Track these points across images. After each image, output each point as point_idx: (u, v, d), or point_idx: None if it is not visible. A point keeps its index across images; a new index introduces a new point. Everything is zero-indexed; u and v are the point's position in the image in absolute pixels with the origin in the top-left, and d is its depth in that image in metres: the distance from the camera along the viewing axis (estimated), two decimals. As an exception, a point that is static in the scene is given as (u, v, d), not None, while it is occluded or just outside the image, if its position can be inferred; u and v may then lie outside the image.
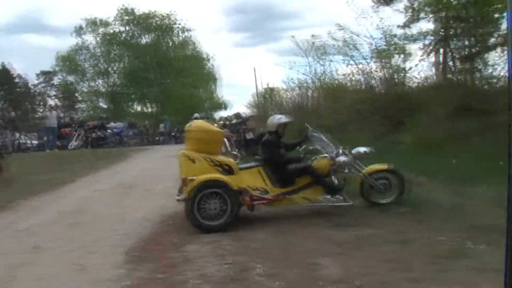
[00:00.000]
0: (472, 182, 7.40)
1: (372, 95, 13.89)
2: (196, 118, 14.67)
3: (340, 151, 6.94)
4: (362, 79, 14.91)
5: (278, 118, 7.22)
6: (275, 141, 6.99)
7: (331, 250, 4.99)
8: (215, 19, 66.76)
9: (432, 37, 13.51)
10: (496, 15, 11.80)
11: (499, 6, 11.35)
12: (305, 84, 19.43)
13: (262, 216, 6.80)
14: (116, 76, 43.77)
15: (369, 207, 6.87)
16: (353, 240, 5.36)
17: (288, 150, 7.16)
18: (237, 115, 18.42)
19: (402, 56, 13.41)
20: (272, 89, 26.04)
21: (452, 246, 4.86)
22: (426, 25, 13.71)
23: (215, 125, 16.73)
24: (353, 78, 15.49)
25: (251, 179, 6.62)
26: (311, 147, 7.22)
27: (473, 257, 4.47)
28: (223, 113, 36.19)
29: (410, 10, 14.19)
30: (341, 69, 16.79)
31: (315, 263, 4.58)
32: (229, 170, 6.44)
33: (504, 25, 12.26)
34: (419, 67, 13.63)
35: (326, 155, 6.94)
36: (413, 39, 13.30)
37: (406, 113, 12.10)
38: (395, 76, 13.51)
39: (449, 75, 13.35)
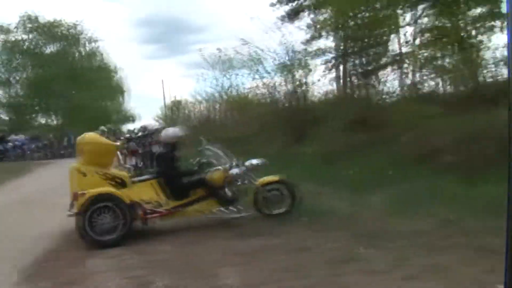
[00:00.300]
0: (366, 191, 7.96)
1: (277, 108, 14.44)
2: (102, 131, 14.51)
3: (234, 163, 7.06)
4: (267, 93, 15.42)
5: (174, 131, 7.31)
6: (170, 154, 7.01)
7: (232, 261, 5.10)
8: (124, 31, 65.34)
9: (332, 54, 14.41)
10: (385, 38, 12.91)
11: (386, 29, 12.46)
12: (212, 97, 19.65)
13: (166, 228, 6.77)
14: (18, 87, 41.28)
15: (269, 217, 7.04)
16: (254, 250, 5.48)
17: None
18: (143, 128, 18.14)
19: (304, 71, 14.08)
20: (179, 102, 26.12)
21: (345, 251, 5.16)
22: (327, 42, 14.61)
23: (122, 138, 16.55)
24: (258, 92, 16.02)
25: (144, 192, 6.57)
26: (205, 160, 7.31)
27: (365, 261, 4.80)
28: (131, 126, 35.45)
29: (312, 28, 15.06)
30: (247, 82, 17.27)
31: (215, 274, 4.67)
32: (121, 183, 6.38)
33: (392, 47, 13.51)
34: (321, 81, 14.44)
35: (220, 167, 6.99)
36: (314, 54, 14.09)
37: (309, 126, 12.69)
38: (298, 90, 14.13)
39: (348, 90, 14.25)
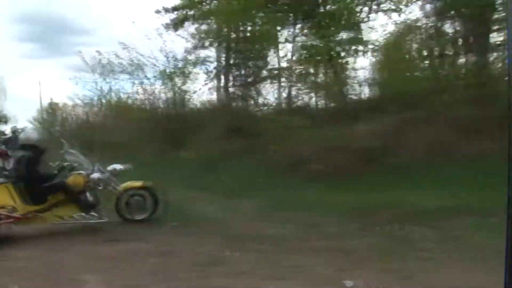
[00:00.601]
0: (238, 197, 8.28)
1: (156, 114, 14.38)
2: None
3: (96, 168, 6.89)
4: (146, 99, 15.27)
5: (35, 134, 7.05)
6: (32, 157, 6.70)
7: (97, 266, 4.98)
8: (0, 26, 60.21)
9: (214, 64, 14.75)
10: (265, 52, 13.58)
11: (265, 44, 13.11)
12: (91, 101, 18.91)
13: (29, 234, 6.37)
14: None
15: (134, 223, 6.94)
16: (119, 254, 5.41)
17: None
18: (13, 130, 16.96)
19: (184, 79, 14.20)
20: (56, 104, 24.75)
21: (213, 255, 5.29)
22: (209, 52, 14.92)
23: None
24: (138, 97, 15.81)
25: None
26: (66, 164, 7.04)
27: (230, 263, 4.97)
28: (3, 128, 32.71)
29: (196, 37, 15.28)
30: (127, 88, 16.93)
31: (78, 280, 4.53)
32: None
33: (271, 62, 14.22)
34: (202, 90, 14.67)
35: (81, 172, 6.79)
36: (194, 63, 14.30)
37: (188, 133, 12.81)
38: (178, 98, 14.22)
39: (227, 100, 14.65)
